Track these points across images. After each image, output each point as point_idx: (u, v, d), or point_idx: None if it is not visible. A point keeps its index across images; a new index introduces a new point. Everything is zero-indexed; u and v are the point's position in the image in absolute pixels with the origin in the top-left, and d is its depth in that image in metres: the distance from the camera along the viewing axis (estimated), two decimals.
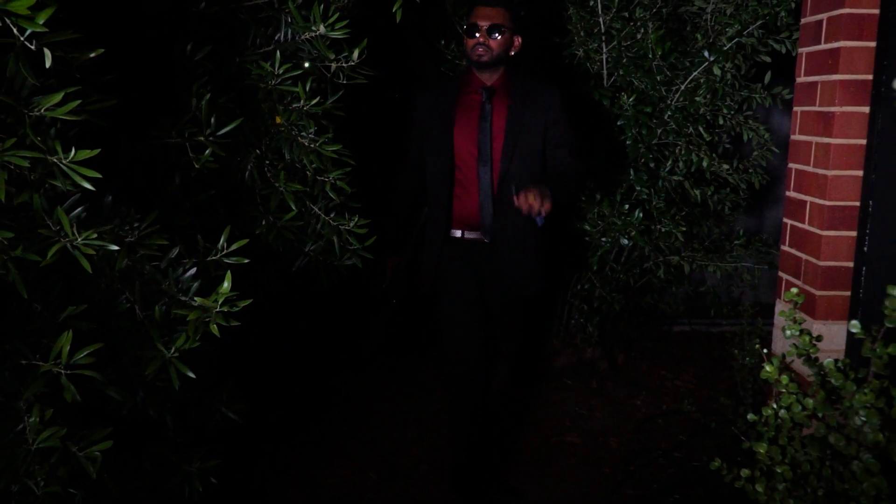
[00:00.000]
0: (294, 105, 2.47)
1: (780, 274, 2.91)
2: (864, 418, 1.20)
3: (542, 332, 4.74)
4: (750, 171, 4.21)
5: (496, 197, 3.02)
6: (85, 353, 1.48)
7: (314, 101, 2.46)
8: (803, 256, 2.72)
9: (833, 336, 2.61)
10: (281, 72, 2.38)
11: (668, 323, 5.49)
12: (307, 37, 2.41)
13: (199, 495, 2.18)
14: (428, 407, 4.32)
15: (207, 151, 2.07)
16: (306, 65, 2.50)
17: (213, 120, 2.08)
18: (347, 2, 2.59)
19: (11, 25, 1.22)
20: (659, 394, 4.56)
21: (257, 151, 2.50)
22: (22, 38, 1.24)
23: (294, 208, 2.52)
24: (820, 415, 1.31)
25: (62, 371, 1.47)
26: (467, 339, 3.11)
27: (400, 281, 3.27)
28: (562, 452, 3.81)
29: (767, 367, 1.39)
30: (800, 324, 1.35)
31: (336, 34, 2.35)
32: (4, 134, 1.33)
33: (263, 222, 2.50)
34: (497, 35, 2.93)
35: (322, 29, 2.33)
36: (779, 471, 1.35)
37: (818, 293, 2.61)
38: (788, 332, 1.37)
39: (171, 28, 2.21)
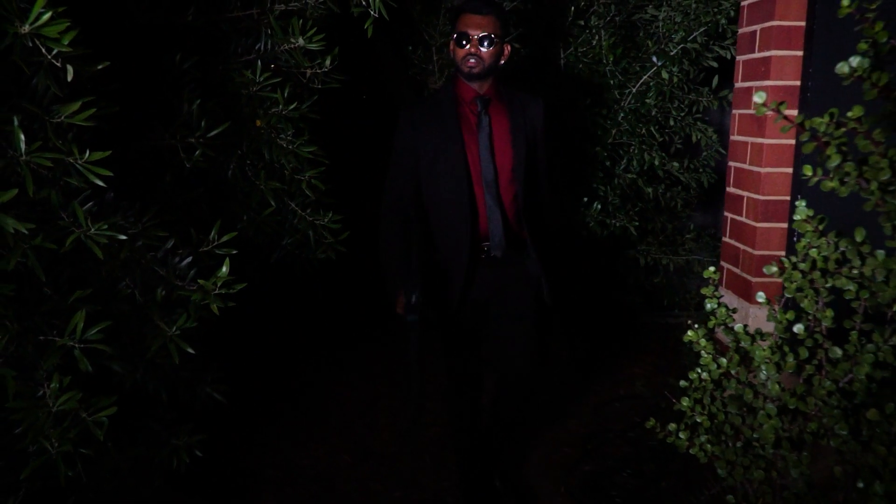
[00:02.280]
0: (273, 109, 2.67)
1: (722, 263, 3.17)
2: (765, 372, 1.44)
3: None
4: (700, 170, 4.48)
5: (504, 209, 2.88)
6: (96, 330, 1.69)
7: (292, 106, 2.66)
8: (741, 247, 2.98)
9: None
10: (261, 79, 2.58)
11: (627, 314, 5.74)
12: (286, 48, 2.61)
13: (185, 467, 2.38)
14: (398, 394, 4.54)
15: (198, 152, 2.27)
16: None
17: (202, 123, 2.28)
18: (322, 13, 2.80)
19: (41, 46, 1.42)
20: (616, 380, 4.79)
21: (239, 152, 2.70)
22: (49, 57, 1.44)
23: (273, 204, 2.72)
24: (733, 372, 1.55)
25: (76, 345, 1.67)
26: (470, 361, 3.09)
27: (415, 310, 2.89)
28: (525, 434, 4.04)
29: (690, 333, 1.61)
30: (718, 298, 1.58)
31: (313, 46, 2.57)
32: (29, 138, 1.53)
33: (245, 217, 2.70)
34: (489, 45, 2.74)
35: (301, 41, 2.53)
36: (698, 420, 1.59)
37: (754, 280, 2.88)
38: (709, 306, 1.60)
39: (161, 39, 2.41)
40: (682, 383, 1.78)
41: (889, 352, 1.25)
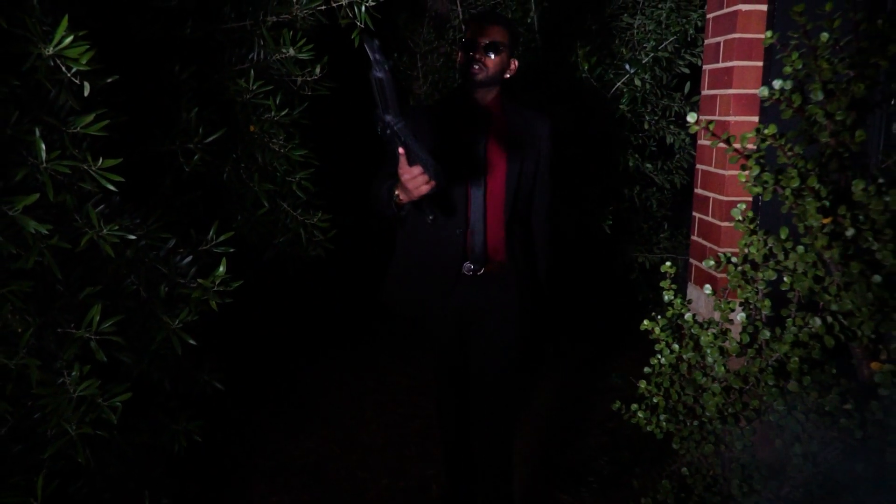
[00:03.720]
0: (266, 116, 2.82)
1: (691, 260, 3.35)
2: (710, 356, 1.62)
3: None
4: (673, 171, 4.67)
5: (488, 226, 2.81)
6: (109, 323, 1.84)
7: (283, 112, 2.82)
8: (707, 244, 3.16)
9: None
10: (254, 87, 2.73)
11: (605, 311, 5.90)
12: (277, 57, 2.77)
13: (184, 452, 2.54)
14: (385, 388, 4.71)
15: (196, 157, 2.43)
16: None
17: (200, 130, 2.44)
18: (311, 24, 2.95)
19: (62, 65, 1.58)
20: (597, 373, 4.99)
21: (234, 156, 2.85)
22: (69, 74, 1.60)
23: (266, 205, 2.88)
24: (686, 357, 1.72)
25: (92, 337, 1.83)
26: (456, 362, 3.08)
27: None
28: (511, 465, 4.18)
29: (646, 322, 1.79)
30: (673, 290, 1.75)
31: (303, 55, 2.72)
32: (48, 147, 1.68)
33: (240, 217, 2.86)
34: (494, 54, 2.74)
35: (291, 51, 2.69)
36: (655, 401, 1.76)
37: (719, 276, 3.06)
38: (667, 297, 1.77)
39: (160, 50, 2.56)
40: (646, 370, 1.94)
41: (806, 333, 1.42)
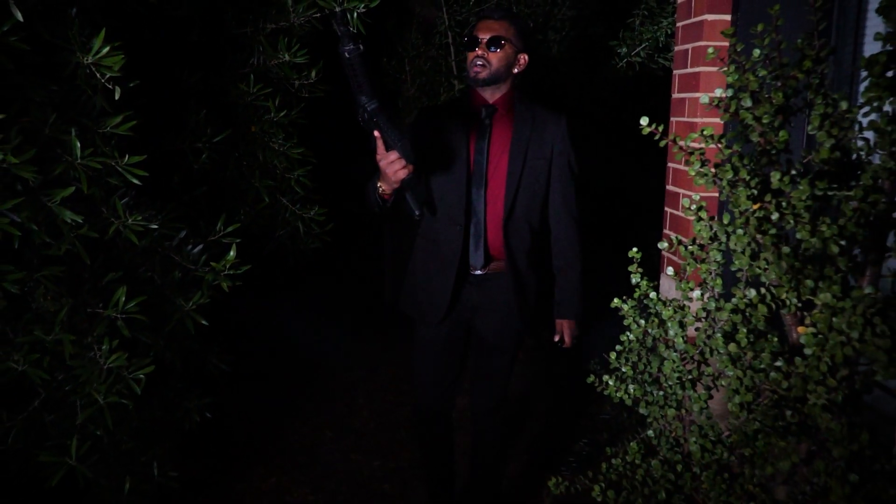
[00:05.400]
0: (266, 117, 3.02)
1: (663, 252, 3.58)
2: (671, 329, 1.84)
3: None
4: (650, 169, 4.89)
5: (487, 226, 2.81)
6: (133, 304, 2.05)
7: (282, 113, 3.02)
8: (678, 237, 3.38)
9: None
10: (255, 90, 2.94)
11: (591, 301, 6.11)
12: (275, 62, 2.97)
13: (196, 427, 2.74)
14: (375, 378, 4.92)
15: (204, 156, 2.63)
16: None
17: (208, 130, 2.65)
18: (307, 31, 3.16)
19: (96, 71, 1.78)
20: (577, 362, 5.20)
21: (236, 154, 3.06)
22: (103, 80, 1.80)
23: (266, 200, 3.08)
24: (651, 331, 1.94)
25: (119, 316, 2.03)
26: (438, 384, 3.03)
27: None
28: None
29: (615, 300, 2.01)
30: (640, 273, 1.97)
31: (299, 60, 2.93)
32: (82, 146, 1.88)
33: (241, 212, 3.06)
34: (496, 49, 2.68)
35: (287, 57, 2.89)
36: (623, 370, 1.98)
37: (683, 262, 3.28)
38: (634, 280, 1.99)
39: (170, 57, 2.76)
40: (617, 346, 2.16)
41: (744, 302, 1.65)
